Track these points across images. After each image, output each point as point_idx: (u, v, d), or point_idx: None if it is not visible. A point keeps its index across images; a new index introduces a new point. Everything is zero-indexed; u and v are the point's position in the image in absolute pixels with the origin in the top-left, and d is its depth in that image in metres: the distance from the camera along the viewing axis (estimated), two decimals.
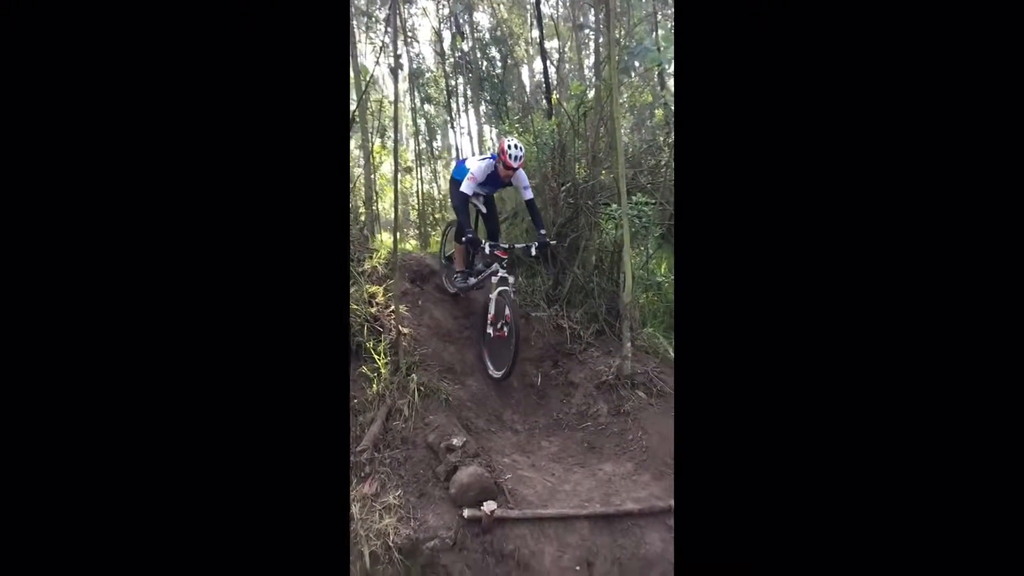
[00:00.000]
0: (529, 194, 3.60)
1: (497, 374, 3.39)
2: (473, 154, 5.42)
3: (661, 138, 5.16)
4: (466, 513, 2.33)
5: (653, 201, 3.98)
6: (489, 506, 2.34)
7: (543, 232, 3.50)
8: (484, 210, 3.75)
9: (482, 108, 7.35)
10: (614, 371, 3.28)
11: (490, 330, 3.42)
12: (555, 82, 5.86)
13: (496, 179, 3.54)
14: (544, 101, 5.83)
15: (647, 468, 2.78)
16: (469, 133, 9.16)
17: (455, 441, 2.65)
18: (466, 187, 3.46)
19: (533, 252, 3.42)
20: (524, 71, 7.60)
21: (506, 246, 3.42)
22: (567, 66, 6.49)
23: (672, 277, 4.14)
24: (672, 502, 2.44)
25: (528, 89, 7.64)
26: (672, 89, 6.03)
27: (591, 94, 4.80)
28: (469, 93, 7.31)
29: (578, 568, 2.28)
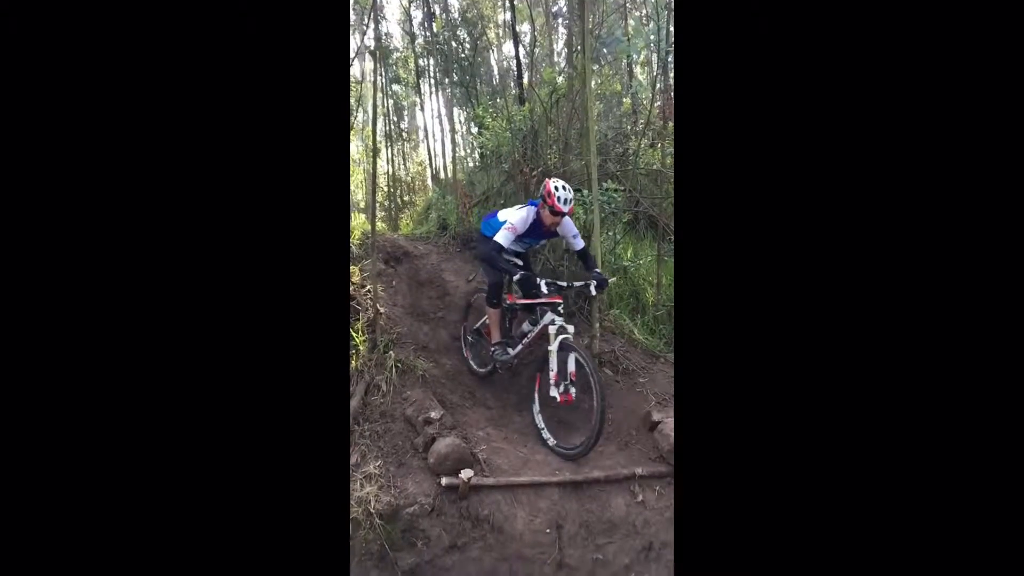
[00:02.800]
0: (580, 242, 3.08)
1: (568, 450, 2.75)
2: (452, 132, 5.39)
3: (628, 126, 5.32)
4: (444, 481, 2.46)
5: (622, 188, 4.14)
6: (466, 474, 2.47)
7: (599, 271, 3.04)
8: (515, 272, 2.89)
9: (450, 91, 7.36)
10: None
11: (554, 393, 2.82)
12: (526, 67, 5.93)
13: (539, 229, 3.00)
14: (515, 86, 5.90)
15: (612, 440, 2.96)
16: (439, 115, 9.13)
17: (432, 414, 2.76)
18: (502, 238, 2.89)
19: (593, 292, 2.95)
20: (493, 55, 7.63)
21: (564, 284, 2.94)
22: (537, 50, 6.56)
23: (638, 262, 4.33)
24: (638, 469, 2.64)
25: (496, 72, 7.68)
26: (640, 80, 6.20)
27: (561, 80, 4.90)
28: (439, 75, 7.30)
29: (548, 530, 2.45)
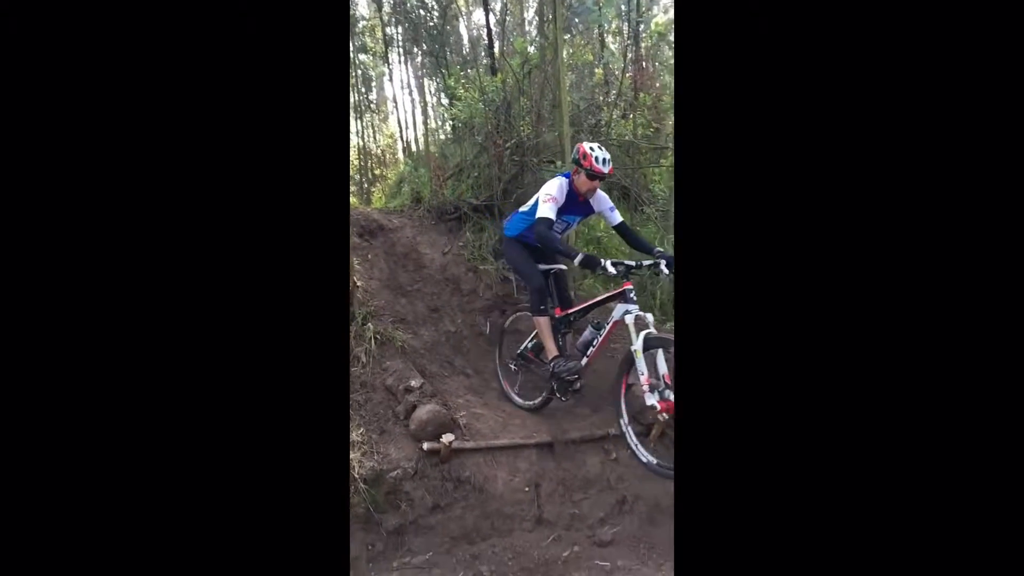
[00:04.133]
0: (617, 216, 2.78)
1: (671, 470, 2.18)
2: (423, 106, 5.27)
3: (601, 97, 5.34)
4: (425, 446, 2.54)
5: None
6: (447, 438, 2.56)
7: (660, 250, 2.65)
8: (575, 253, 2.50)
9: (420, 60, 7.23)
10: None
11: (651, 401, 2.31)
12: (497, 36, 5.86)
13: (575, 201, 2.70)
14: (486, 56, 5.84)
15: (587, 403, 3.08)
16: (409, 86, 8.97)
17: (413, 383, 2.83)
18: (547, 210, 2.55)
19: (665, 270, 2.50)
20: (463, 23, 7.49)
21: (632, 264, 2.47)
22: (508, 19, 6.47)
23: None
24: (610, 430, 2.76)
25: (467, 41, 7.56)
26: (612, 49, 6.20)
27: (533, 50, 4.88)
28: (407, 44, 7.15)
29: (527, 489, 2.56)
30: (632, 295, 2.46)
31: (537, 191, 2.81)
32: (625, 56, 4.98)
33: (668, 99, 4.93)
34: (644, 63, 5.42)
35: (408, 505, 2.43)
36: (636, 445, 2.39)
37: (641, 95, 4.81)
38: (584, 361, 2.66)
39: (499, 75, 4.75)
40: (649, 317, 2.43)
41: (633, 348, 2.35)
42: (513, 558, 2.30)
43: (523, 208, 2.90)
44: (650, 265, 2.53)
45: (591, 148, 2.62)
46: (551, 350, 2.70)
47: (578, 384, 2.71)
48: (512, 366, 3.12)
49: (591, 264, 2.42)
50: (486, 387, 3.28)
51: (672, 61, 5.39)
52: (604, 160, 2.60)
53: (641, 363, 2.33)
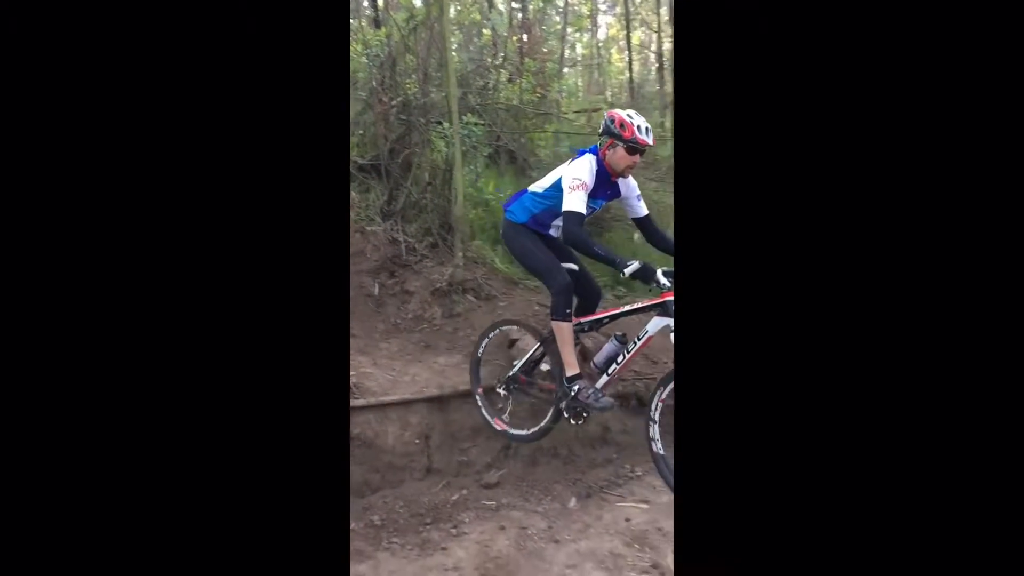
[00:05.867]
0: (644, 207, 2.39)
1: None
2: None
3: (489, 59, 5.36)
4: None
5: (483, 123, 4.24)
6: None
7: None
8: (627, 263, 2.10)
9: None
10: (447, 279, 3.62)
11: None
12: None
13: (605, 182, 2.26)
14: (369, 7, 5.59)
15: None
16: None
17: None
18: (578, 202, 2.13)
19: None
20: None
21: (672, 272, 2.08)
22: None
23: (500, 195, 4.52)
24: (495, 382, 2.93)
25: None
26: (502, 9, 6.18)
27: (419, 4, 4.75)
28: None
29: (417, 441, 2.67)
30: (671, 306, 2.04)
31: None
32: (511, 20, 5.02)
33: (553, 65, 5.07)
34: (532, 28, 5.50)
35: None
36: (667, 472, 2.14)
37: (527, 60, 4.90)
38: (602, 382, 2.26)
39: (383, 29, 4.59)
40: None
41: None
42: (404, 506, 2.41)
43: (533, 187, 2.39)
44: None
45: (629, 116, 2.17)
46: (571, 365, 2.24)
47: (602, 407, 2.24)
48: (501, 391, 2.61)
49: (646, 276, 2.03)
50: (374, 347, 3.30)
51: (559, 26, 5.52)
52: (647, 129, 2.16)
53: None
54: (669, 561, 2.06)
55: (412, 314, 3.60)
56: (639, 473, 2.69)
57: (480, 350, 2.71)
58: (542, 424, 2.43)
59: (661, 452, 2.17)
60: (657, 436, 2.17)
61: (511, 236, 2.43)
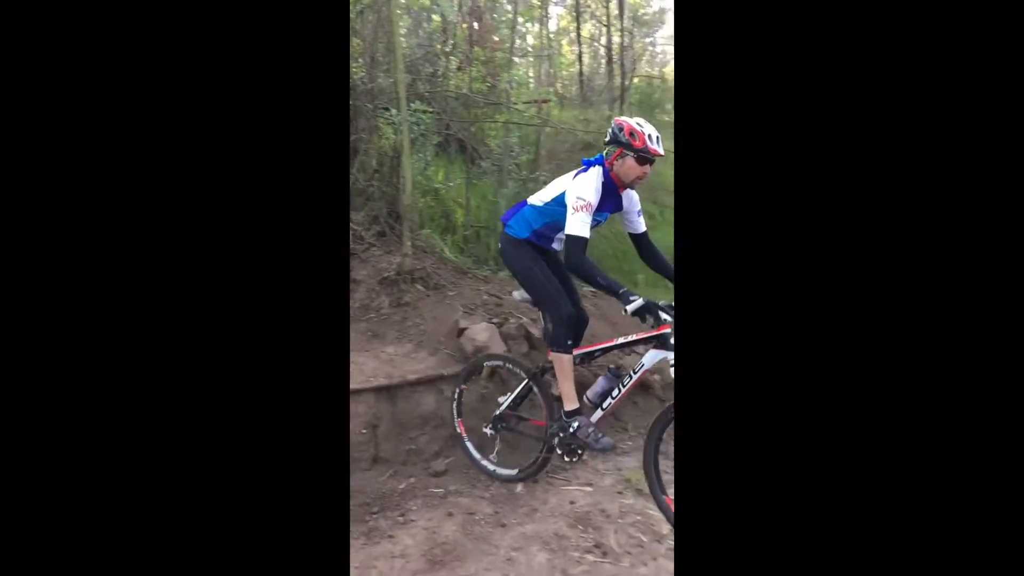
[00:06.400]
0: (643, 223, 2.26)
1: None
2: None
3: (438, 46, 5.29)
4: None
5: (431, 110, 4.19)
6: None
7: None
8: (631, 298, 1.96)
9: None
10: (395, 268, 3.58)
11: None
12: None
13: (611, 196, 2.12)
14: None
15: (424, 347, 3.21)
16: None
17: None
18: (581, 226, 1.99)
19: None
20: None
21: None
22: None
23: (449, 184, 4.50)
24: (443, 371, 2.94)
25: None
26: None
27: None
28: None
29: (364, 431, 2.65)
30: (672, 341, 1.95)
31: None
32: (461, 6, 4.97)
33: (503, 55, 5.06)
34: (482, 16, 5.47)
35: None
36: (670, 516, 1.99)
37: (477, 48, 4.87)
38: (596, 416, 2.15)
39: None
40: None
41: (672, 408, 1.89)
42: (351, 495, 2.39)
43: (533, 199, 2.23)
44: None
45: (639, 124, 2.04)
46: (570, 399, 2.13)
47: (602, 447, 2.13)
48: (488, 431, 2.47)
49: (650, 313, 1.91)
50: None
51: (510, 15, 5.51)
52: (658, 139, 2.04)
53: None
54: (611, 541, 2.14)
55: (359, 303, 3.54)
56: (583, 457, 2.78)
57: (461, 385, 2.56)
58: (533, 462, 2.31)
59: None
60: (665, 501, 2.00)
61: (511, 254, 2.24)
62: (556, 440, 2.17)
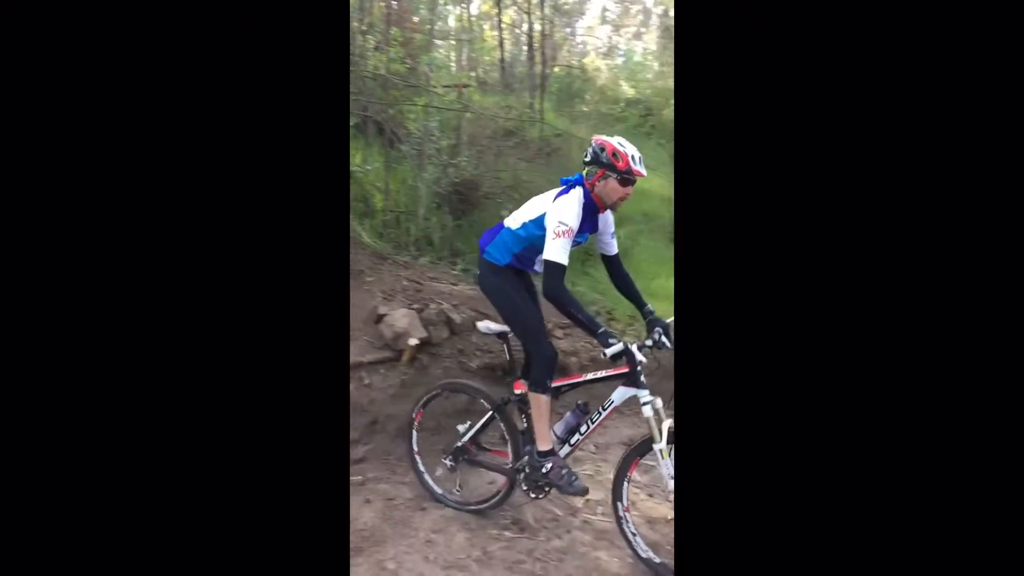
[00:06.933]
0: (615, 246, 2.20)
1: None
2: None
3: (356, 23, 5.10)
4: None
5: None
6: None
7: (651, 308, 2.13)
8: (610, 339, 1.90)
9: None
10: None
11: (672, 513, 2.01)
12: None
13: (590, 215, 2.05)
14: None
15: None
16: None
17: None
18: (561, 252, 1.90)
19: (667, 343, 1.96)
20: None
21: (649, 344, 1.97)
22: None
23: (367, 168, 4.37)
24: (362, 359, 2.88)
25: None
26: None
27: None
28: None
29: None
30: (642, 376, 1.93)
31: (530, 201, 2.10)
32: None
33: (423, 37, 4.97)
34: None
35: None
36: (634, 536, 1.98)
37: (394, 28, 4.75)
38: (565, 451, 2.10)
39: None
40: (659, 401, 1.93)
41: (658, 447, 1.86)
42: None
43: (510, 221, 2.11)
44: (654, 343, 1.97)
45: (621, 144, 1.97)
46: (544, 440, 2.05)
47: (575, 491, 2.06)
48: (448, 462, 2.31)
49: (629, 359, 1.90)
50: None
51: None
52: (640, 159, 1.97)
53: (669, 466, 1.85)
54: (528, 517, 2.22)
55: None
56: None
57: (417, 414, 2.41)
58: (495, 495, 2.24)
59: (651, 556, 1.95)
60: (635, 534, 1.99)
61: (492, 283, 2.12)
62: (522, 475, 2.12)
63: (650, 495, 2.48)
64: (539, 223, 2.00)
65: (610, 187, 1.98)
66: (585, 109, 8.74)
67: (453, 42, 7.66)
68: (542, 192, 2.12)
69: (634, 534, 1.97)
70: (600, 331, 1.89)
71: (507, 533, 2.15)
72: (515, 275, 2.12)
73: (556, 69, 8.94)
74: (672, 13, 12.22)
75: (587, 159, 2.02)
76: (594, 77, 10.22)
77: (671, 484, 1.84)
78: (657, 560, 1.94)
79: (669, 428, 1.86)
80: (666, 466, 1.86)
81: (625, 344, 1.89)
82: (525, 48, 8.63)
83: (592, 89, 9.67)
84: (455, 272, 4.02)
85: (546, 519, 2.21)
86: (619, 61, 11.62)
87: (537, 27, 8.43)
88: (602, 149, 1.97)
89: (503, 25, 8.81)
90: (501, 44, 8.82)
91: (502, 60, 8.67)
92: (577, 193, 1.98)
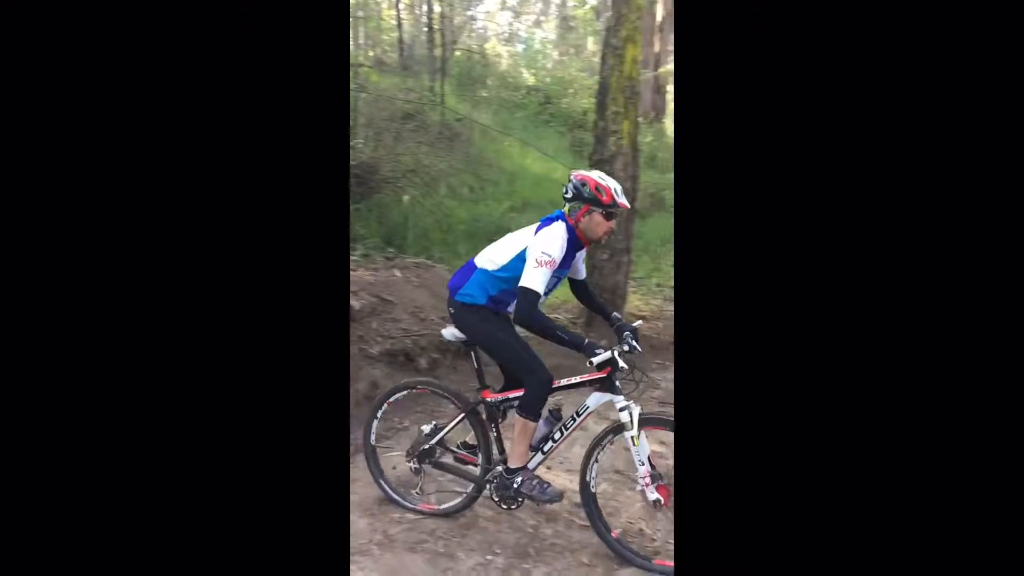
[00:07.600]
0: (584, 271, 2.23)
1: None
2: None
3: None
4: None
5: None
6: None
7: (617, 315, 2.17)
8: (593, 349, 1.93)
9: None
10: None
11: (655, 496, 1.93)
12: None
13: (572, 249, 2.02)
14: None
15: None
16: None
17: None
18: (540, 281, 1.88)
19: (638, 347, 2.01)
20: None
21: (627, 348, 1.98)
22: None
23: None
24: None
25: None
26: None
27: None
28: None
29: None
30: (617, 381, 1.96)
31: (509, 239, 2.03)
32: None
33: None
34: None
35: None
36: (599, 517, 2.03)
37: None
38: (538, 459, 2.08)
39: None
40: (636, 409, 1.95)
41: (631, 434, 1.90)
42: None
43: (483, 261, 2.07)
44: (630, 348, 1.98)
45: (602, 178, 1.98)
46: (520, 458, 2.04)
47: (550, 499, 2.06)
48: (411, 465, 2.24)
49: (614, 366, 1.91)
50: None
51: None
52: (622, 191, 1.99)
53: (644, 453, 1.90)
54: (431, 497, 2.25)
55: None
56: (406, 424, 2.86)
57: (379, 413, 2.28)
58: (459, 501, 2.19)
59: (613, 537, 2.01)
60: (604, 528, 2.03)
61: (470, 321, 2.07)
62: (491, 486, 2.12)
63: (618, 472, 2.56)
64: (520, 257, 1.98)
65: (595, 222, 1.97)
66: (486, 94, 8.76)
67: (350, 19, 7.31)
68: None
69: (598, 515, 2.02)
70: (585, 343, 1.92)
71: (409, 515, 2.17)
72: (492, 314, 2.08)
73: (457, 53, 8.86)
74: (571, 3, 12.54)
75: (568, 195, 2.00)
76: (495, 63, 10.24)
77: (642, 469, 1.91)
78: (614, 536, 2.01)
79: (640, 414, 1.91)
80: (640, 452, 1.90)
81: (612, 352, 1.91)
82: (425, 30, 8.47)
83: (493, 75, 9.70)
84: (354, 258, 3.92)
85: (447, 496, 2.25)
86: (519, 48, 11.72)
87: (437, 8, 8.30)
88: (583, 184, 1.96)
89: (402, 4, 8.58)
90: (399, 24, 8.59)
91: (401, 41, 8.45)
92: (561, 227, 1.96)
